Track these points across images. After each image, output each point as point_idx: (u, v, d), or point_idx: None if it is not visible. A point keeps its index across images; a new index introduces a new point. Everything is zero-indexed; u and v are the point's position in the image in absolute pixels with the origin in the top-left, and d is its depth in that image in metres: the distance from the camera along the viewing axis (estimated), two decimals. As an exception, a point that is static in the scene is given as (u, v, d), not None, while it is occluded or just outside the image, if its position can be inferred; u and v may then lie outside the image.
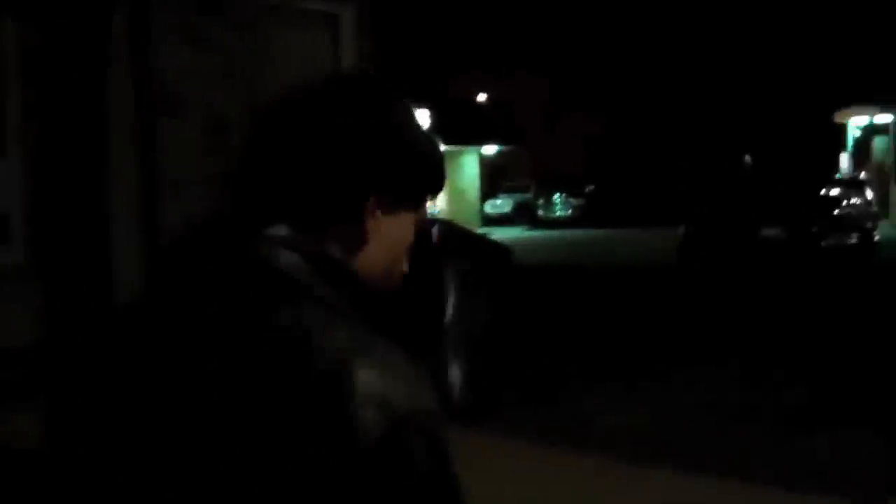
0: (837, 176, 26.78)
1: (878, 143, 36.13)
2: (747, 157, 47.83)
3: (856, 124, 36.68)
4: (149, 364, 1.25)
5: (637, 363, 10.86)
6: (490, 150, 43.82)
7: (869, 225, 21.04)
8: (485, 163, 46.66)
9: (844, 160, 37.37)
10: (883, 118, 35.20)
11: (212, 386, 1.18)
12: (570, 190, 45.22)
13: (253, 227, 1.29)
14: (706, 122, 47.11)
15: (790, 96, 42.80)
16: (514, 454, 7.44)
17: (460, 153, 42.01)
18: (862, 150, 36.72)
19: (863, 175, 35.91)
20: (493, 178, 49.11)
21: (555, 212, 44.89)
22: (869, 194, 22.83)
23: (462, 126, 39.95)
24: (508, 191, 47.40)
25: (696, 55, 45.94)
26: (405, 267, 1.43)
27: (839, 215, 19.40)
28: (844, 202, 20.19)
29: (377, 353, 1.20)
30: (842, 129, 37.16)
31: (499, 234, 39.86)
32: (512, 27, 47.45)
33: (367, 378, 1.15)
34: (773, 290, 15.78)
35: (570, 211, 44.59)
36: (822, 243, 18.18)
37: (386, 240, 1.36)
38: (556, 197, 45.19)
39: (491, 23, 46.44)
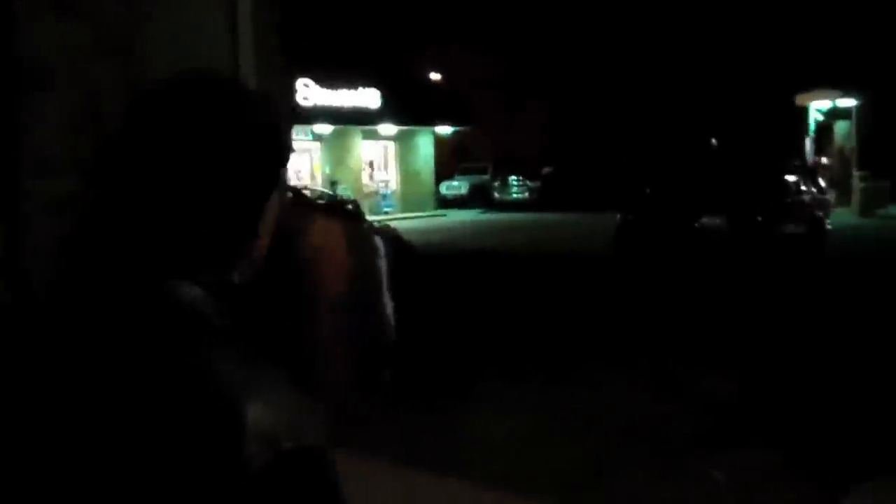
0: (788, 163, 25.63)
1: (840, 127, 35.26)
2: (713, 141, 47.01)
3: (818, 108, 35.78)
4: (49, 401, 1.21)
5: (547, 364, 10.02)
6: (445, 130, 42.64)
7: (820, 213, 19.99)
8: (443, 143, 45.60)
9: (808, 145, 36.57)
10: (845, 102, 34.36)
11: (114, 420, 1.16)
12: (526, 172, 44.22)
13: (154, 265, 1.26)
14: (670, 104, 46.18)
15: (753, 79, 41.86)
16: (372, 477, 6.41)
17: (414, 133, 40.92)
18: (824, 135, 35.85)
19: (823, 160, 35.15)
20: (451, 160, 48.07)
21: (511, 194, 43.87)
22: (822, 182, 21.72)
23: (415, 106, 38.83)
24: (465, 172, 46.33)
25: (659, 35, 44.98)
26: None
27: (787, 203, 18.28)
28: (794, 190, 19.09)
29: (268, 389, 1.19)
30: (804, 113, 36.24)
31: (453, 216, 39.08)
32: (468, 4, 46.26)
33: (256, 415, 1.15)
34: (708, 284, 14.79)
35: (526, 194, 43.59)
36: (767, 233, 17.04)
37: (266, 226, 1.33)
38: (513, 179, 44.19)
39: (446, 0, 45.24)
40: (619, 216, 18.32)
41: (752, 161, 21.06)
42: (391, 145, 40.60)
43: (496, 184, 44.61)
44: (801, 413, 7.91)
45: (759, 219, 17.09)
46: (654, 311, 12.89)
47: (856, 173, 32.95)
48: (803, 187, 19.58)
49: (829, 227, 20.40)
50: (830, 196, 27.34)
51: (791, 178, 19.45)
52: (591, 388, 8.97)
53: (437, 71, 46.65)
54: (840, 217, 31.12)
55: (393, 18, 41.75)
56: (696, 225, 16.70)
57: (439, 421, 7.85)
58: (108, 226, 1.29)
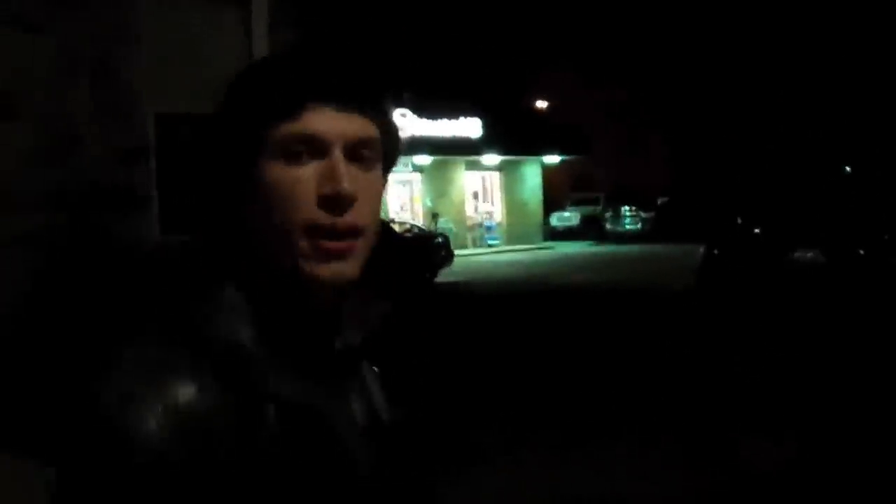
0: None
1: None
2: (847, 168, 44.42)
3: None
4: None
5: (580, 425, 8.60)
6: (553, 160, 41.17)
7: None
8: (556, 173, 44.22)
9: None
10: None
11: None
12: (641, 203, 42.30)
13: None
14: (797, 132, 43.80)
15: (887, 98, 39.20)
16: None
17: (520, 163, 39.67)
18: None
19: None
20: (566, 190, 46.61)
21: (623, 226, 41.98)
22: None
23: (521, 135, 37.53)
24: (577, 203, 44.71)
25: (784, 59, 42.77)
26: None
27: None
28: None
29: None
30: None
31: (562, 248, 37.69)
32: (583, 31, 44.89)
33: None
34: (794, 330, 12.98)
35: (639, 225, 41.63)
36: (871, 267, 14.85)
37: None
38: (625, 210, 42.37)
39: (557, 27, 43.95)
40: (702, 249, 16.49)
41: (864, 186, 18.62)
42: (496, 175, 39.43)
43: (608, 214, 42.86)
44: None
45: (861, 251, 15.08)
46: (725, 360, 11.30)
47: None
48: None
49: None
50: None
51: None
52: (627, 456, 7.61)
53: (547, 98, 45.40)
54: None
55: (499, 45, 40.70)
56: (788, 259, 14.81)
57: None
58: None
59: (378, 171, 1.22)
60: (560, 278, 24.40)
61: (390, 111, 1.26)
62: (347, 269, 1.17)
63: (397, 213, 34.64)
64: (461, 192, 37.63)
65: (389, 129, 1.24)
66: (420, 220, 35.94)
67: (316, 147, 1.15)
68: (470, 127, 35.96)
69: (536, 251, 36.38)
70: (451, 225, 34.66)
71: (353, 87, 1.19)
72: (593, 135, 43.78)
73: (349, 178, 1.15)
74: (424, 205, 36.04)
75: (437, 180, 36.36)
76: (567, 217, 43.60)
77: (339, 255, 1.16)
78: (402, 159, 30.81)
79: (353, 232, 1.17)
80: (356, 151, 1.17)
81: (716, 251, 16.05)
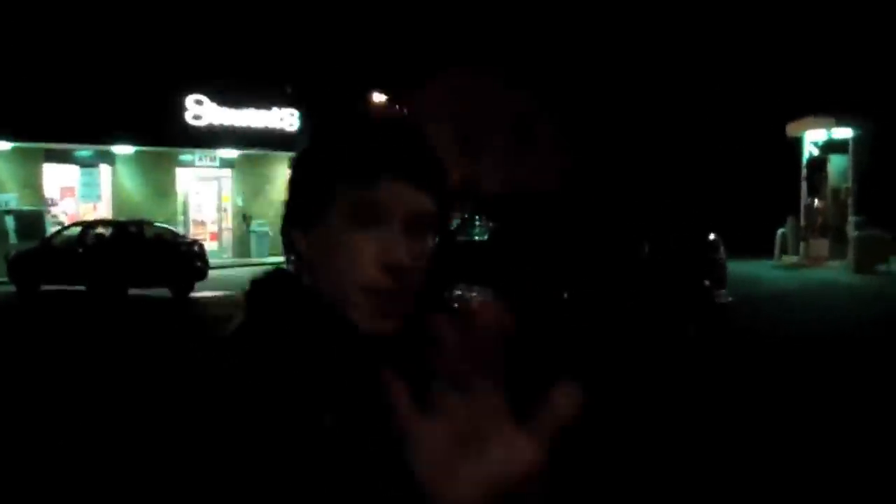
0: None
1: (835, 163, 29.11)
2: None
3: (812, 140, 29.81)
4: None
5: None
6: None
7: (706, 283, 13.82)
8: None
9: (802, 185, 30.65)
10: (841, 133, 28.38)
11: None
12: (490, 212, 38.84)
13: None
14: (647, 143, 40.94)
15: (739, 107, 36.10)
16: None
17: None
18: (819, 172, 29.72)
19: (816, 203, 29.37)
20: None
21: (472, 235, 38.50)
22: (711, 236, 15.02)
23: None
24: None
25: (625, 58, 39.77)
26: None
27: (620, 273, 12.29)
28: (647, 249, 13.20)
29: None
30: (797, 145, 30.32)
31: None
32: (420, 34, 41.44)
33: None
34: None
35: (486, 235, 38.14)
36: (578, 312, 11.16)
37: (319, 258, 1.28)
38: (475, 219, 38.87)
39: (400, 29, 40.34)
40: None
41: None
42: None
43: (457, 223, 39.34)
44: None
45: (566, 294, 11.35)
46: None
47: (851, 219, 26.96)
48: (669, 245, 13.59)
49: (728, 299, 14.11)
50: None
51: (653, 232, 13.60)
52: None
53: (389, 95, 41.97)
54: (829, 274, 25.43)
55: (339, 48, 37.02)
56: (448, 298, 11.03)
57: None
58: None
59: (431, 240, 1.27)
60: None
61: (449, 186, 1.31)
62: (395, 323, 1.24)
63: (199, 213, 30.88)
64: (281, 191, 33.85)
65: (446, 204, 1.30)
66: (229, 223, 32.23)
67: (381, 216, 1.21)
68: (286, 119, 32.32)
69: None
70: (266, 228, 30.98)
71: (422, 163, 1.25)
72: (480, 136, 40.55)
73: (409, 250, 1.22)
74: (235, 205, 32.21)
75: (251, 177, 32.53)
76: (416, 227, 40.07)
77: (392, 315, 1.23)
78: (207, 152, 27.19)
79: (407, 297, 1.24)
80: (416, 224, 1.23)
81: None
